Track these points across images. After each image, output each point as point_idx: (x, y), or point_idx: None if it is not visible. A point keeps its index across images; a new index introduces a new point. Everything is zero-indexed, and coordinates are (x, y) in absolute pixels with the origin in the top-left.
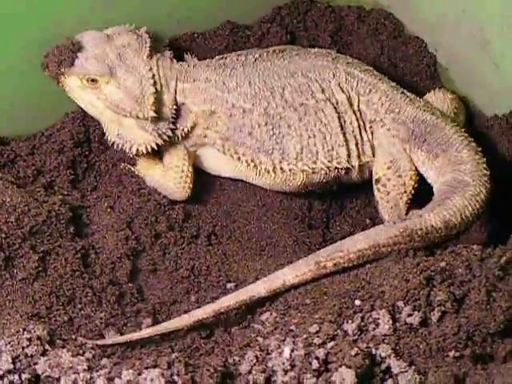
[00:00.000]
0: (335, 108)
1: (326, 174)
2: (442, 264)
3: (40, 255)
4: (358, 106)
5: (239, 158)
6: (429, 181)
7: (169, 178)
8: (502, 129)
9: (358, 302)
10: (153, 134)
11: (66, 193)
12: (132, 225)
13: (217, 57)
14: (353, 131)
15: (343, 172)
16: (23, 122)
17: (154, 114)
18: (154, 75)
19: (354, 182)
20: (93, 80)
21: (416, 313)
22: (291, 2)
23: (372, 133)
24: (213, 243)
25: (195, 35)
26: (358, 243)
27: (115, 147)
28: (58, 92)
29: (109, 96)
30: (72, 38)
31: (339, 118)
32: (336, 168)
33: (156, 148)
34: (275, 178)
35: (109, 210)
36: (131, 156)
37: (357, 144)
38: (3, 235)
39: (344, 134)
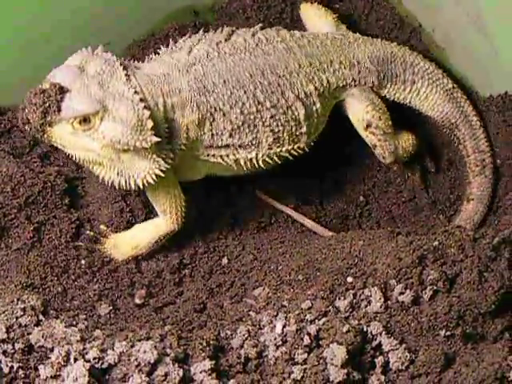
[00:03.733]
0: (303, 102)
1: (288, 154)
2: (435, 243)
3: (35, 226)
4: (328, 82)
5: (221, 157)
6: (415, 106)
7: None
8: (498, 109)
9: (350, 279)
10: (156, 160)
11: (61, 164)
12: (127, 197)
13: (180, 50)
14: (317, 116)
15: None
16: (20, 92)
17: (158, 139)
18: (141, 98)
19: None
20: (85, 120)
21: (408, 291)
22: None
23: (337, 97)
24: None
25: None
26: None
27: (117, 187)
28: (54, 60)
29: (106, 133)
30: (44, 81)
31: (306, 110)
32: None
33: (162, 174)
34: (247, 167)
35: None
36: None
37: (316, 124)
38: None
39: (308, 124)
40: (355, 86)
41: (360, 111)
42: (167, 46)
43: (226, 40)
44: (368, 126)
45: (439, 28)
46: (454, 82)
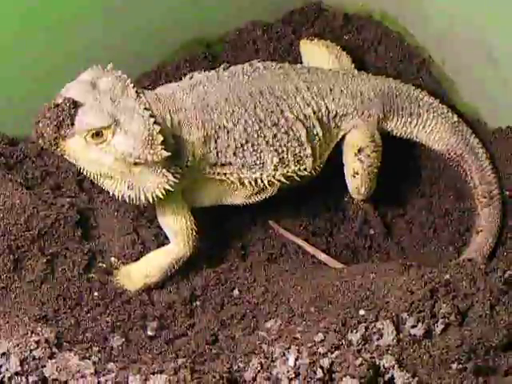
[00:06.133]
0: (303, 124)
1: (295, 179)
2: (447, 277)
3: (48, 257)
4: (327, 108)
5: (225, 175)
6: (421, 140)
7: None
8: (506, 140)
9: (362, 312)
10: (165, 174)
11: (73, 195)
12: (139, 229)
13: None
14: (319, 140)
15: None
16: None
17: (168, 153)
18: (151, 114)
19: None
20: (97, 134)
21: (420, 324)
22: (301, 8)
23: (339, 126)
24: None
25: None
26: None
27: (127, 201)
28: None
29: (118, 146)
30: (58, 96)
31: (307, 132)
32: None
33: (171, 189)
34: (253, 190)
35: (115, 213)
36: (145, 205)
37: (320, 149)
38: (12, 237)
39: (311, 146)
40: (359, 116)
41: (357, 138)
42: (178, 77)
43: (224, 69)
44: (360, 151)
45: (449, 60)
46: (463, 113)
